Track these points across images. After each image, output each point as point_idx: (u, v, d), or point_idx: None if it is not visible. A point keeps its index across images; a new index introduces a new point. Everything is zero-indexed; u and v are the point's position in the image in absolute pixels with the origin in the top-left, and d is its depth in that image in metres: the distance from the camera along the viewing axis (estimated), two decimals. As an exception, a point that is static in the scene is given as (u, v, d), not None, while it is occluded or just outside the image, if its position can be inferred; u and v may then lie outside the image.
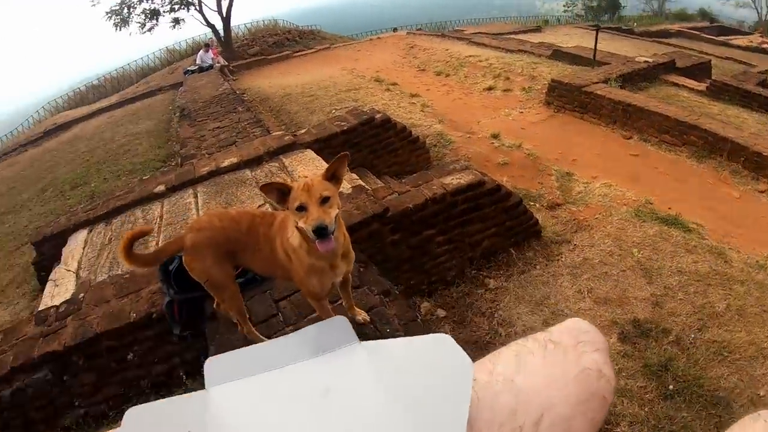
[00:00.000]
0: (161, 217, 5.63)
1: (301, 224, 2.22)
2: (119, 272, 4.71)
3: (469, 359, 0.77)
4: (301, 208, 2.19)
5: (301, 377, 0.77)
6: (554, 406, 0.78)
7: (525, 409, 0.77)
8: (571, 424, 0.78)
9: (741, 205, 6.72)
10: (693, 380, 3.76)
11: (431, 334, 0.81)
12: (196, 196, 5.84)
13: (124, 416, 0.73)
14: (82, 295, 4.29)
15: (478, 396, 0.77)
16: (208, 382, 0.78)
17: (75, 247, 5.56)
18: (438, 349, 0.79)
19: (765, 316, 4.53)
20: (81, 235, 5.74)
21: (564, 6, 43.26)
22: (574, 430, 0.78)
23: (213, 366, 0.80)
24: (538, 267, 5.22)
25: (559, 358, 0.85)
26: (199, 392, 0.77)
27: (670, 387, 3.74)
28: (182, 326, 4.00)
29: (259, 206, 5.23)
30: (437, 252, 5.01)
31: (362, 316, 3.34)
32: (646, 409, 3.57)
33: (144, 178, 8.11)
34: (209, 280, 2.96)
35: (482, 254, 5.30)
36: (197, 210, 5.54)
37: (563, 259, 5.30)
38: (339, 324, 0.84)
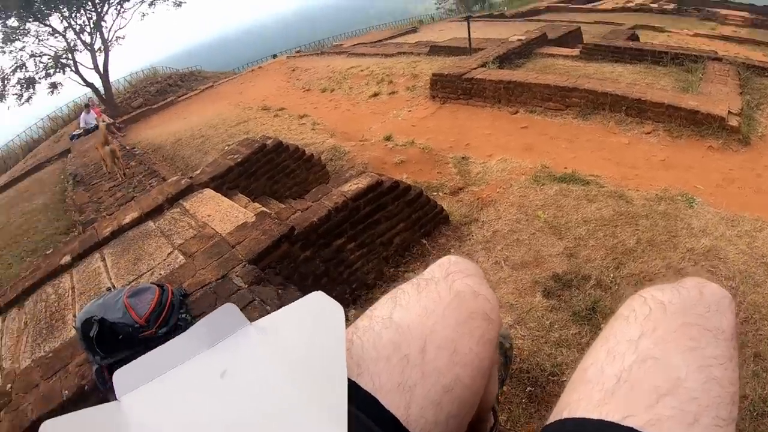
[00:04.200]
0: (73, 288, 5.44)
1: None
2: (42, 353, 4.56)
3: (338, 305, 0.83)
4: None
5: (200, 367, 0.82)
6: (435, 332, 0.84)
7: (408, 340, 0.83)
8: (458, 344, 0.85)
9: (631, 150, 7.09)
10: (621, 314, 3.93)
11: (307, 295, 0.87)
12: (104, 259, 5.69)
13: (40, 428, 0.76)
14: (9, 386, 4.10)
15: (361, 339, 0.85)
16: (118, 393, 0.82)
17: (-9, 340, 5.35)
18: (313, 305, 0.86)
19: (675, 240, 4.82)
20: (-5, 327, 5.53)
21: (435, 3, 44.24)
22: (462, 348, 0.85)
23: (120, 377, 0.85)
24: (452, 250, 5.33)
25: (432, 290, 0.92)
26: (113, 403, 0.81)
27: (603, 326, 3.87)
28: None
29: (168, 254, 5.17)
30: (351, 259, 5.05)
31: None
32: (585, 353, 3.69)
33: (47, 253, 7.85)
34: None
35: (396, 251, 5.38)
36: (107, 272, 5.40)
37: (474, 237, 5.44)
38: (228, 311, 0.91)
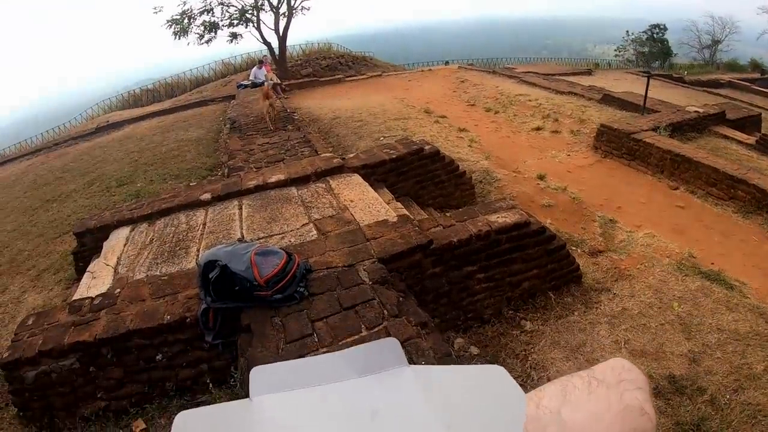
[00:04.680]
0: (204, 224, 5.73)
1: None
2: (157, 273, 4.82)
3: (523, 393, 0.80)
4: None
5: (349, 397, 0.79)
6: None
7: None
8: None
9: (786, 266, 6.56)
10: (725, 443, 3.68)
11: (485, 365, 0.85)
12: (240, 208, 5.93)
13: (175, 420, 0.75)
14: (118, 290, 4.38)
15: (526, 428, 0.81)
16: (252, 391, 0.80)
17: (116, 242, 5.66)
18: (491, 379, 0.83)
19: (804, 382, 4.42)
20: (123, 232, 5.85)
21: (615, 50, 43.31)
22: None
23: (259, 375, 0.83)
24: (576, 313, 5.18)
25: (603, 395, 0.89)
26: (244, 401, 0.79)
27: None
28: (215, 335, 4.05)
29: (303, 224, 5.30)
30: (476, 289, 5.00)
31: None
32: None
33: (191, 184, 8.25)
34: None
35: (521, 295, 5.29)
36: (241, 221, 5.62)
37: (602, 308, 5.25)
38: (389, 346, 0.88)
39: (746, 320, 5.10)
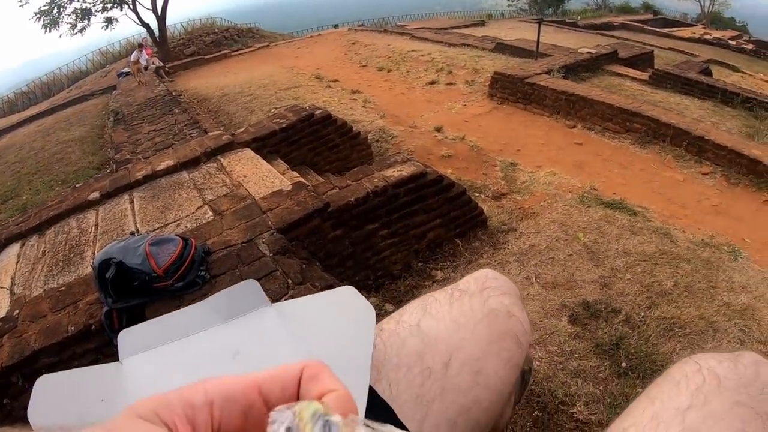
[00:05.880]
0: (96, 225, 5.41)
1: None
2: (55, 285, 4.50)
3: (369, 305, 0.78)
4: None
5: (212, 343, 0.79)
6: (463, 348, 0.80)
7: (432, 352, 0.79)
8: (483, 363, 0.79)
9: (685, 188, 6.84)
10: (645, 357, 3.74)
11: (336, 288, 0.85)
12: (132, 202, 5.64)
13: (35, 384, 0.72)
14: (17, 311, 4.04)
15: (384, 343, 0.81)
16: (121, 354, 0.78)
17: (7, 262, 5.30)
18: (343, 300, 0.81)
19: (713, 291, 4.55)
20: (13, 249, 5.46)
21: (508, 0, 44.02)
22: (487, 369, 0.79)
23: (126, 338, 0.81)
24: (485, 256, 5.18)
25: (465, 303, 0.88)
26: (113, 363, 0.77)
27: (623, 365, 3.70)
28: (122, 336, 3.83)
29: (198, 208, 5.09)
30: (381, 246, 4.94)
31: None
32: (601, 388, 3.51)
33: (77, 185, 7.86)
34: None
35: (428, 246, 5.26)
36: (134, 215, 5.35)
37: (510, 247, 5.28)
38: (250, 288, 0.86)
39: (651, 242, 5.23)
